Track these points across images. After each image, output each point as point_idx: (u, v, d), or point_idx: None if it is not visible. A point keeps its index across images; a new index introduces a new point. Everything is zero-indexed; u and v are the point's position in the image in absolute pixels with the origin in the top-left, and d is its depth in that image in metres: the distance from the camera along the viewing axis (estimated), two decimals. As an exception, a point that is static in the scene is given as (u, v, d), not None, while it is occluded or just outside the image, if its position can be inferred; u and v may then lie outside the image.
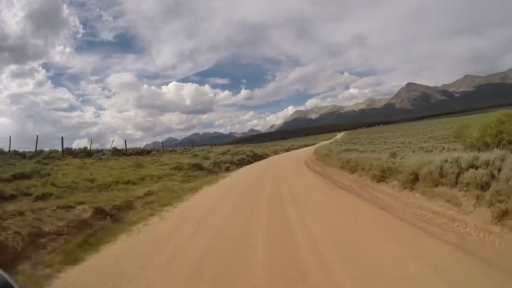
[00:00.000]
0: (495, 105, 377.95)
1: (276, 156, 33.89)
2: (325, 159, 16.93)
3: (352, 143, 33.34)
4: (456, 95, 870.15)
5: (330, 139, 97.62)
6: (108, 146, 23.02)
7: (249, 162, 23.92)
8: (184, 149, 31.46)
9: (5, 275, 1.40)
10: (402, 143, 26.32)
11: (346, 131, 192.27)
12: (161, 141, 44.20)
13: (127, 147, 23.86)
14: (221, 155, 23.27)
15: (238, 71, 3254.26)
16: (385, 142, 31.81)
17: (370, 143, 32.23)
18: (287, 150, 44.58)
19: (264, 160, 27.25)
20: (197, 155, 23.79)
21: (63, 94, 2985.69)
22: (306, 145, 59.50)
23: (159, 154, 24.23)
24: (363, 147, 22.07)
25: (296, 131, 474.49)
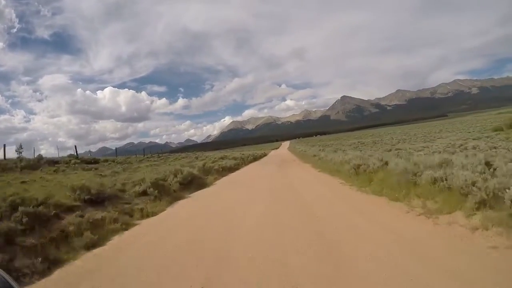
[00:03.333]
0: (425, 117, 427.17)
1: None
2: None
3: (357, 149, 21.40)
4: (388, 107, 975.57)
5: (277, 148, 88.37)
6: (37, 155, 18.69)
7: None
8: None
9: (5, 275, 1.38)
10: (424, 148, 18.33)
11: (290, 140, 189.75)
12: (94, 150, 31.98)
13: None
14: None
15: (176, 79, 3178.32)
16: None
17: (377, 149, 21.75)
18: (204, 169, 16.89)
19: None
20: None
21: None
22: (255, 158, 35.44)
23: None
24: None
25: (233, 141, 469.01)
